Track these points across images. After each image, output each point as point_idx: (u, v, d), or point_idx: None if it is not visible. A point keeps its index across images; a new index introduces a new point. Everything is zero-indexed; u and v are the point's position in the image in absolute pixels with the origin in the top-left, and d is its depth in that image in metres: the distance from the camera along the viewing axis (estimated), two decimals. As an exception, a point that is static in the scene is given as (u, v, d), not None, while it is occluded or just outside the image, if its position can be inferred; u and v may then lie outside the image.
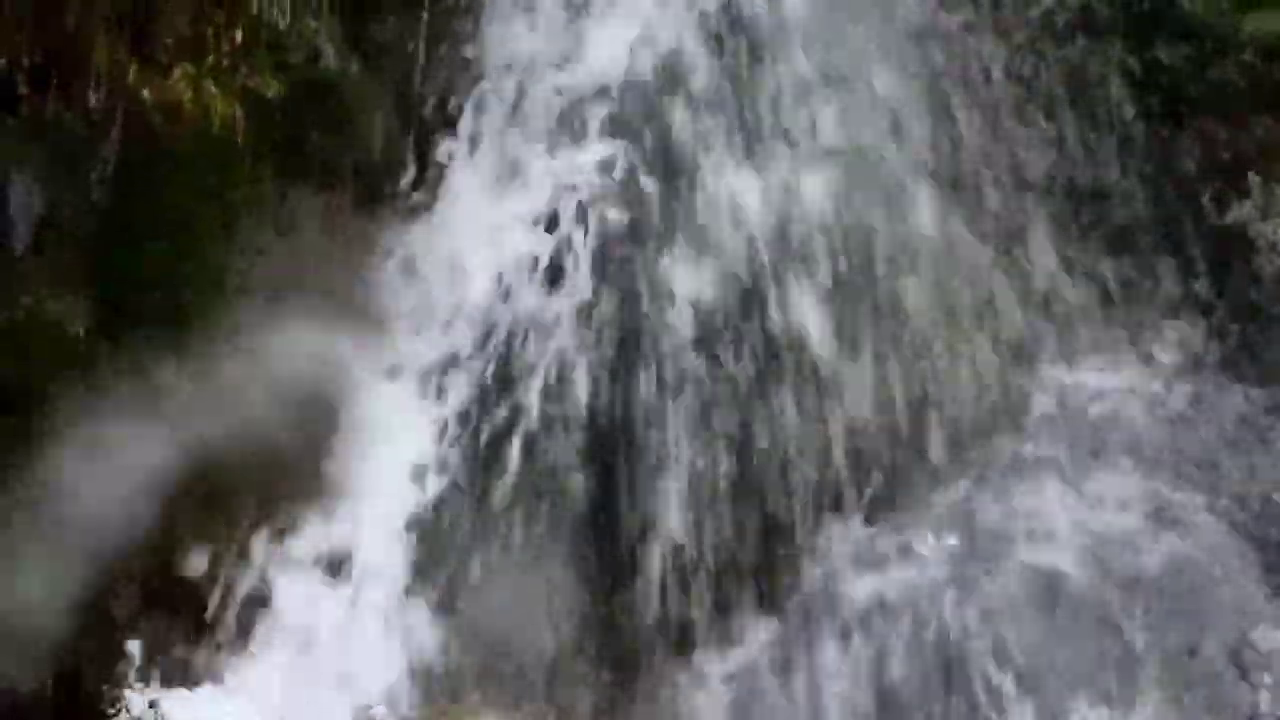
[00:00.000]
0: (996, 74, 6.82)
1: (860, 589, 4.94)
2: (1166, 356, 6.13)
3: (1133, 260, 6.55)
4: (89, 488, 4.52)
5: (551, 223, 5.52)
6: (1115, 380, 5.99)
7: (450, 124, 5.86)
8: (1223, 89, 7.18)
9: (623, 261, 5.38)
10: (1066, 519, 5.11)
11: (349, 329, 5.32)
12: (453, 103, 5.87)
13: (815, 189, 5.82)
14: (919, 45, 6.54)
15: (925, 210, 6.02)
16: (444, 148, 5.81)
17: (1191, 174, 6.97)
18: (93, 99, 5.48)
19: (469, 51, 5.91)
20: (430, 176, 5.77)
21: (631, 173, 5.61)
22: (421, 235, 5.63)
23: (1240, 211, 6.55)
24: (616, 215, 5.40)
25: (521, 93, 5.80)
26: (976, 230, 6.28)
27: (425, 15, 5.93)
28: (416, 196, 5.73)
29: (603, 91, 5.70)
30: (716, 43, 5.85)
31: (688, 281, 5.26)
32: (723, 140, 5.83)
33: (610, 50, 5.80)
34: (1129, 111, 7.19)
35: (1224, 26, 7.36)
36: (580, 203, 5.49)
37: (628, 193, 5.52)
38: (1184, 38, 7.35)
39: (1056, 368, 6.04)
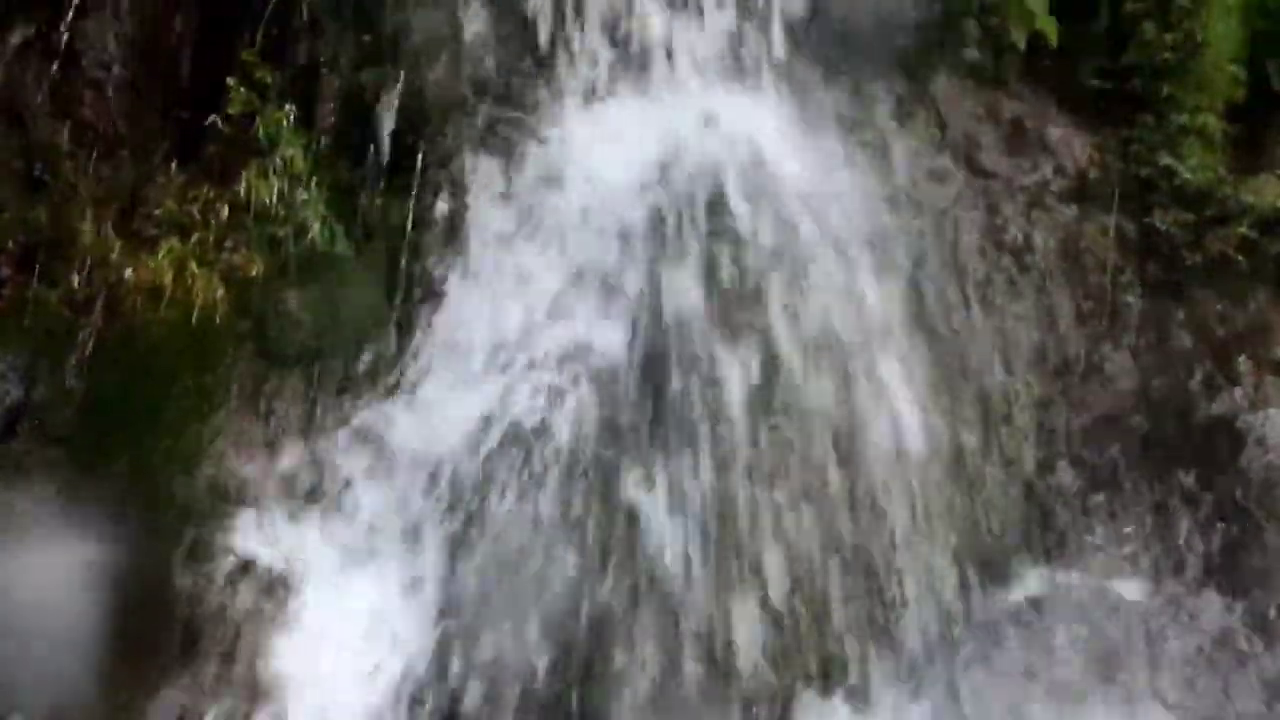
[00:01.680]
0: (987, 246, 6.78)
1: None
2: (1148, 556, 6.07)
3: (1120, 446, 6.50)
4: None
5: (527, 412, 5.49)
6: (1093, 582, 5.93)
7: (435, 301, 5.83)
8: (1220, 261, 7.14)
9: (598, 461, 5.34)
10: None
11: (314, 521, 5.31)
12: (438, 279, 5.84)
13: (792, 374, 5.78)
14: (905, 219, 6.49)
15: (904, 401, 5.97)
16: (427, 326, 5.77)
17: (1185, 350, 6.92)
18: (76, 280, 5.49)
19: (456, 231, 5.89)
20: (412, 356, 5.73)
21: (608, 358, 5.58)
22: (398, 418, 5.59)
23: (1230, 400, 6.50)
24: (593, 408, 5.37)
25: (504, 272, 5.78)
26: (959, 415, 6.23)
27: (414, 191, 5.90)
28: (397, 376, 5.70)
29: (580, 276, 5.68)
30: (695, 226, 5.81)
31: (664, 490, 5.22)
32: (703, 324, 5.78)
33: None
34: (1124, 281, 7.15)
35: (1222, 194, 7.33)
36: (554, 390, 5.45)
37: (605, 383, 5.48)
38: (1181, 205, 7.32)
39: (1035, 565, 5.99)
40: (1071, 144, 7.42)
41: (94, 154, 5.77)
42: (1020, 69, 7.66)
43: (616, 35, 6.39)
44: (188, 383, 5.39)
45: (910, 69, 7.32)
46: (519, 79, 6.26)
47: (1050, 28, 7.69)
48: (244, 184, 5.71)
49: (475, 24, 6.19)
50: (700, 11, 6.57)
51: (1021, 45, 7.64)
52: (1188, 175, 7.34)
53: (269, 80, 5.85)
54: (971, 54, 7.53)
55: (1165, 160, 7.40)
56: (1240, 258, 7.08)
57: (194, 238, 5.60)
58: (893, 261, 6.25)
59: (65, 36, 5.79)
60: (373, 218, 5.91)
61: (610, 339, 5.47)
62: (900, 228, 6.37)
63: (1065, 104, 7.69)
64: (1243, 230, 7.13)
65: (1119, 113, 7.64)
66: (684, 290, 5.54)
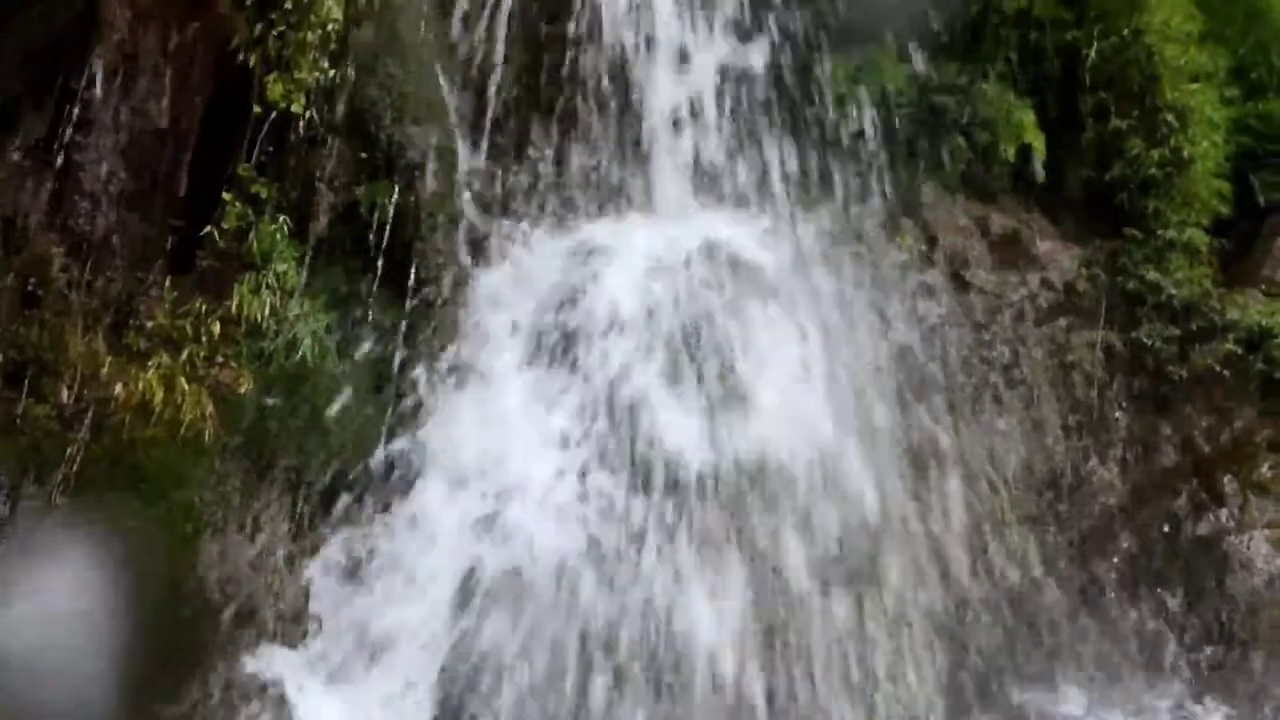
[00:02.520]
0: (975, 362, 6.82)
1: None
2: (1135, 680, 6.05)
3: (1108, 565, 6.50)
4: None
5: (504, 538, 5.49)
6: (1084, 700, 5.90)
7: (421, 423, 5.84)
8: (1206, 376, 7.19)
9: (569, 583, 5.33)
10: None
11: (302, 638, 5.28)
12: (426, 402, 5.85)
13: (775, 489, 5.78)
14: (896, 337, 6.53)
15: (893, 516, 5.97)
16: (412, 447, 5.77)
17: (1172, 466, 6.94)
18: (65, 395, 5.48)
19: (447, 349, 5.91)
20: (397, 476, 5.73)
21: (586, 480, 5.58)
22: (386, 536, 5.58)
23: (1215, 522, 6.52)
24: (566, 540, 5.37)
25: (494, 395, 5.79)
26: (949, 530, 6.23)
27: (407, 304, 5.93)
28: (385, 493, 5.69)
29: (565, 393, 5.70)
30: (688, 354, 5.84)
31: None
32: (694, 440, 5.79)
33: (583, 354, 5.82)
34: (1111, 395, 7.19)
35: (1207, 309, 7.40)
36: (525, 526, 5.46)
37: (584, 508, 5.48)
38: (1168, 319, 7.38)
39: (1025, 686, 5.96)
40: (1059, 257, 7.49)
41: (88, 266, 5.78)
42: (1009, 181, 7.74)
43: (614, 155, 6.44)
44: (174, 500, 5.36)
45: (900, 180, 7.40)
46: (517, 194, 6.31)
47: (1039, 141, 7.80)
48: (236, 298, 5.72)
49: (472, 139, 6.24)
50: (691, 131, 6.63)
51: (1011, 158, 7.74)
52: (1174, 290, 7.42)
53: (264, 194, 5.89)
54: (961, 166, 7.61)
55: (1152, 275, 7.48)
56: (1226, 373, 7.12)
57: (184, 353, 5.60)
58: (880, 379, 6.27)
59: (64, 149, 5.81)
60: (364, 331, 5.91)
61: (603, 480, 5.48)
62: (889, 345, 6.39)
63: (1053, 216, 7.79)
64: (1228, 346, 7.18)
65: (1106, 225, 7.73)
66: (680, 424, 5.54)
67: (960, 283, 7.03)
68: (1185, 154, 7.68)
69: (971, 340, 6.81)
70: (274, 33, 5.92)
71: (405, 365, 5.86)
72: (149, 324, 5.78)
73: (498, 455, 5.75)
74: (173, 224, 6.03)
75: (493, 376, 5.84)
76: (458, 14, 6.43)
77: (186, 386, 5.55)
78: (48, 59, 5.93)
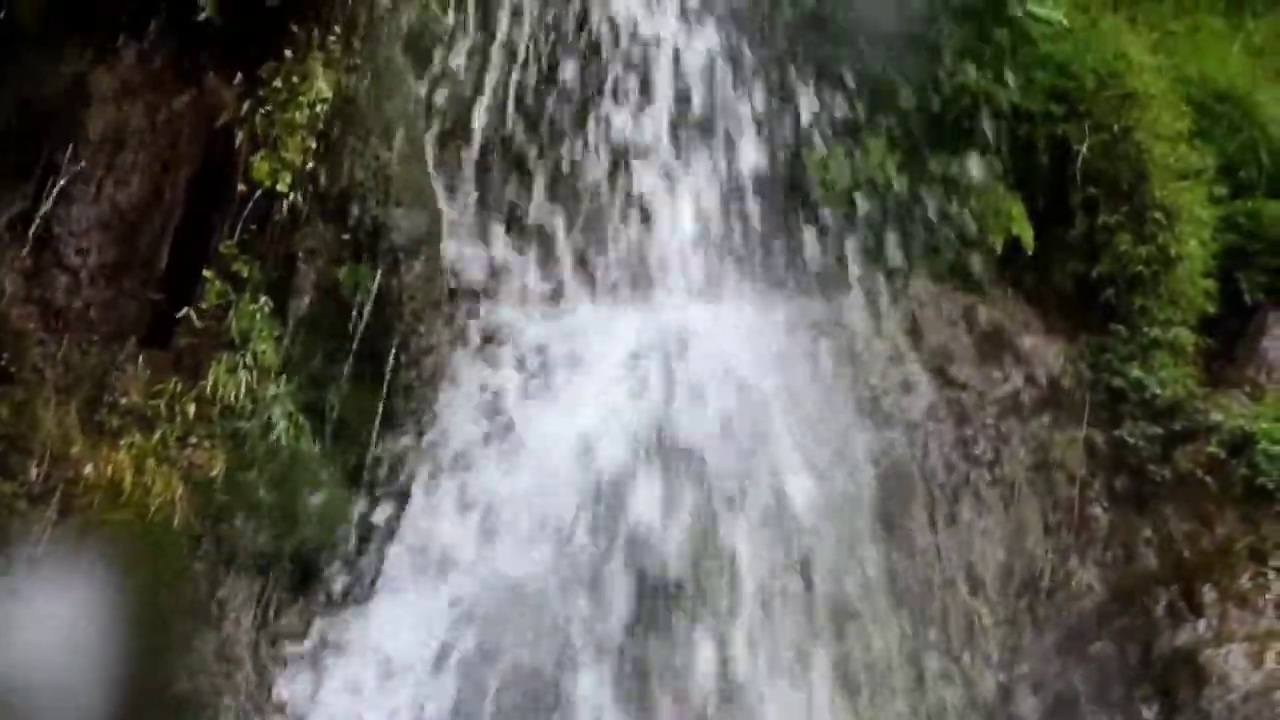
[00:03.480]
0: (956, 459, 6.78)
1: None
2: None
3: (1083, 672, 6.44)
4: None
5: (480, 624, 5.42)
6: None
7: (401, 505, 5.78)
8: (1188, 479, 7.16)
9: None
10: None
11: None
12: (400, 486, 5.79)
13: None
14: (875, 433, 6.49)
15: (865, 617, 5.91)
16: (390, 533, 5.71)
17: (1151, 571, 6.90)
18: (34, 473, 5.41)
19: (424, 434, 5.86)
20: (370, 562, 5.66)
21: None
22: (355, 629, 5.50)
23: (1193, 632, 6.47)
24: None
25: (467, 484, 5.74)
26: (922, 638, 6.17)
27: (385, 390, 5.87)
28: (355, 584, 5.62)
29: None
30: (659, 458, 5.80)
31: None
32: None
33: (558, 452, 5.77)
34: (1092, 494, 7.16)
35: (1191, 409, 7.39)
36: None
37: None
38: (1151, 419, 7.36)
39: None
40: (1044, 353, 7.48)
41: (63, 340, 5.71)
42: (996, 271, 7.74)
43: (597, 243, 6.43)
44: (138, 586, 5.28)
45: (886, 268, 7.39)
46: (503, 279, 6.29)
47: (1026, 233, 7.82)
48: (212, 378, 5.66)
49: (459, 224, 6.22)
50: (672, 220, 6.62)
51: (999, 249, 7.74)
52: (1158, 389, 7.42)
53: (246, 273, 5.83)
54: (949, 257, 7.61)
55: (1136, 373, 7.48)
56: (1208, 478, 7.10)
57: (157, 434, 5.53)
58: (860, 477, 6.23)
59: (44, 220, 5.76)
60: (341, 415, 5.85)
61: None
62: (869, 441, 6.35)
63: (1040, 307, 7.79)
64: (1211, 449, 7.17)
65: (1093, 320, 7.74)
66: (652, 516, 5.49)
67: (944, 377, 6.99)
68: (1173, 252, 7.70)
69: (953, 437, 6.77)
70: (262, 111, 5.88)
71: (381, 450, 5.78)
72: (123, 401, 5.70)
73: (474, 543, 5.68)
74: (152, 298, 5.96)
75: (470, 464, 5.76)
76: (444, 91, 6.39)
77: (157, 468, 5.46)
78: (33, 131, 5.89)
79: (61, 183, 5.76)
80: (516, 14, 6.63)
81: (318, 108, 5.98)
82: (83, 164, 5.85)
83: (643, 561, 5.51)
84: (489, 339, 6.23)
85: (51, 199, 5.75)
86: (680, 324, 6.25)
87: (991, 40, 7.87)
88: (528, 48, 6.68)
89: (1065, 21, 7.68)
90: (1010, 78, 7.80)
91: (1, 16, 5.72)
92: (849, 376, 6.60)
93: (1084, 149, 7.78)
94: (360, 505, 5.76)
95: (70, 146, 5.87)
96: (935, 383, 6.94)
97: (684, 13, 7.07)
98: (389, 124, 6.13)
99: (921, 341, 7.12)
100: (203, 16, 5.86)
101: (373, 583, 5.65)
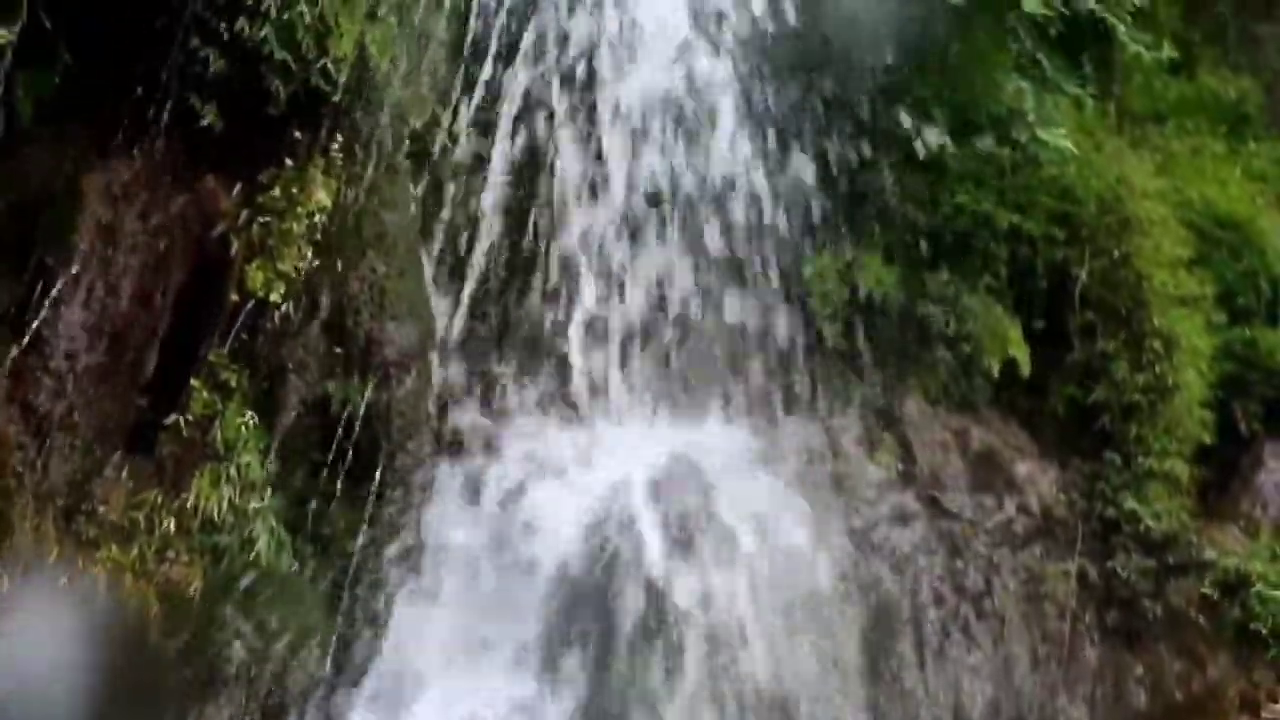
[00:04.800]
0: (946, 593, 6.68)
1: None
2: None
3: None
4: None
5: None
6: None
7: (381, 626, 5.66)
8: (1180, 617, 7.07)
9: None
10: None
11: None
12: (386, 602, 5.68)
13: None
14: (866, 563, 6.40)
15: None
16: (369, 653, 5.59)
17: (1141, 711, 6.79)
18: (5, 584, 5.29)
19: (408, 557, 5.75)
20: (347, 688, 5.53)
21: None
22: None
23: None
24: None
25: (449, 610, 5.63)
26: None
27: (369, 505, 5.77)
28: (331, 711, 5.48)
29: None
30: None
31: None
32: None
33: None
34: (1083, 628, 7.05)
35: (1185, 542, 7.31)
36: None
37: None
38: (1144, 551, 7.28)
39: None
40: (1038, 480, 7.40)
41: (45, 445, 5.61)
42: (991, 394, 7.68)
43: (591, 361, 6.37)
44: (113, 705, 5.14)
45: (881, 389, 7.32)
46: (492, 395, 6.21)
47: (1023, 355, 7.76)
48: (195, 490, 5.56)
49: (450, 339, 6.15)
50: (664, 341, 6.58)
51: (994, 372, 7.69)
52: (1152, 521, 7.35)
53: (234, 383, 5.75)
54: (943, 377, 7.55)
55: (1130, 504, 7.41)
56: (1200, 617, 7.00)
57: (135, 548, 5.41)
58: (847, 613, 6.12)
59: (34, 323, 5.67)
60: (324, 530, 5.75)
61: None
62: (858, 575, 6.25)
63: (1034, 432, 7.71)
64: (1205, 589, 7.08)
65: (1087, 446, 7.66)
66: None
67: (936, 506, 6.91)
68: (1171, 382, 7.64)
69: (944, 569, 6.67)
70: (260, 220, 5.83)
71: (361, 570, 5.68)
72: (102, 510, 5.60)
73: (450, 671, 5.56)
74: (137, 404, 5.87)
75: (450, 590, 5.65)
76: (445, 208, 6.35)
77: (133, 583, 5.35)
78: (26, 231, 5.82)
79: (53, 288, 5.68)
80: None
81: (316, 217, 5.93)
82: (75, 268, 5.77)
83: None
84: (480, 453, 6.13)
85: (41, 303, 5.66)
86: (666, 445, 6.16)
87: (994, 161, 7.86)
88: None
89: (1073, 149, 7.65)
90: (1011, 199, 7.78)
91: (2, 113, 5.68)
92: (842, 508, 6.49)
93: (1084, 274, 7.74)
94: (340, 625, 5.61)
95: (63, 248, 5.79)
96: (927, 513, 6.84)
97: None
98: (387, 235, 6.06)
99: (915, 466, 7.03)
100: (204, 123, 5.81)
101: (351, 708, 5.50)
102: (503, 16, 6.67)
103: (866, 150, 7.71)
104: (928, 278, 7.67)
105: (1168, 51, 8.54)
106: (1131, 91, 9.10)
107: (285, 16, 5.78)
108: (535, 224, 6.62)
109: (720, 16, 7.51)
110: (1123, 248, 7.81)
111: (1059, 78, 7.96)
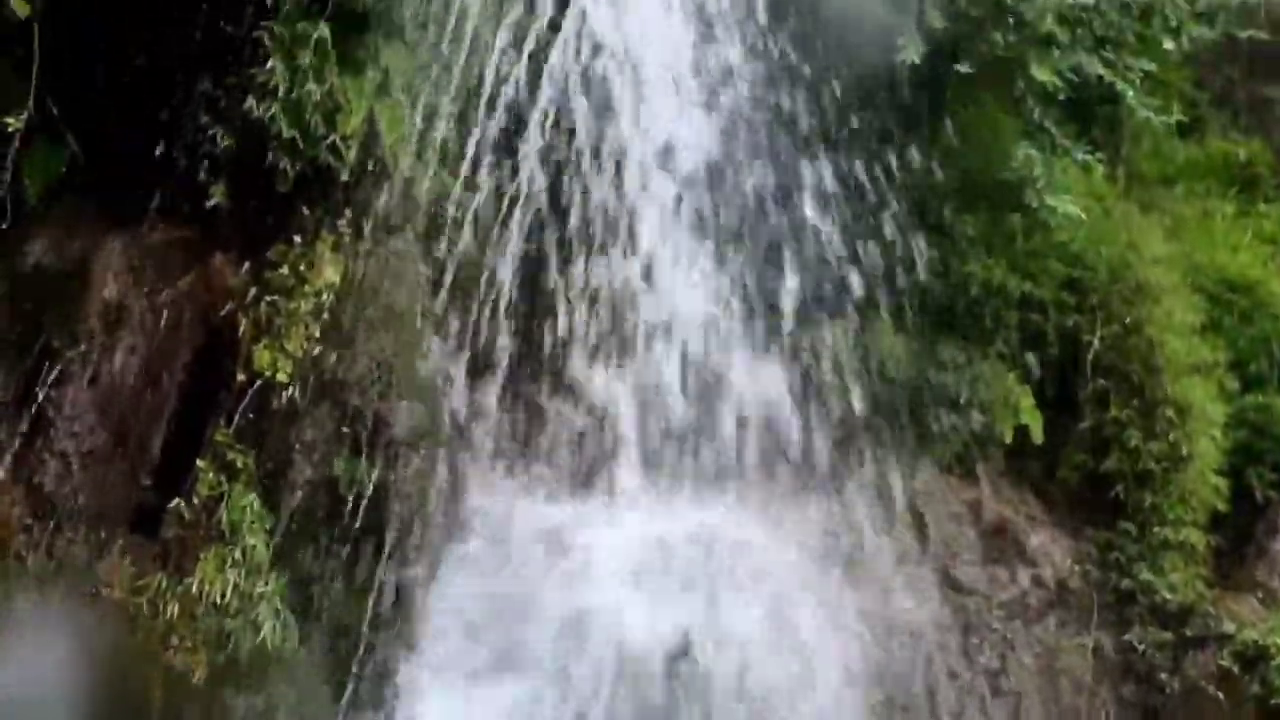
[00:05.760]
0: (961, 670, 6.58)
1: None
2: None
3: None
4: None
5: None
6: None
7: (386, 711, 5.58)
8: (1198, 692, 6.96)
9: None
10: None
11: None
12: (391, 686, 5.60)
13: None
14: (880, 643, 6.31)
15: None
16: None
17: (1161, 792, 6.68)
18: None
19: (415, 644, 5.68)
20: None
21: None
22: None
23: None
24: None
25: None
26: None
27: (375, 589, 5.70)
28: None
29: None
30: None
31: None
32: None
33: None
34: (1100, 702, 6.95)
35: (1202, 612, 7.20)
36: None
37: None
38: (1160, 623, 7.18)
39: None
40: (1051, 551, 7.31)
41: (49, 527, 5.56)
42: (1004, 463, 7.61)
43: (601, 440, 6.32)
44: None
45: (893, 459, 7.25)
46: (502, 474, 6.16)
47: (1035, 423, 7.68)
48: (199, 574, 5.49)
49: (460, 416, 6.11)
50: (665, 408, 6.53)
51: (1007, 440, 7.61)
52: (1168, 593, 7.24)
53: (240, 463, 5.69)
54: (955, 447, 7.48)
55: (1145, 575, 7.31)
56: (1219, 692, 6.89)
57: (139, 634, 5.34)
58: (861, 696, 6.03)
59: (38, 404, 5.64)
60: (330, 615, 5.67)
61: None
62: (873, 655, 6.16)
63: (1046, 501, 7.63)
64: (1224, 662, 6.97)
65: (1100, 516, 7.57)
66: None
67: (950, 581, 6.82)
68: (1185, 451, 7.56)
69: (958, 646, 6.58)
70: (267, 299, 5.79)
71: (367, 655, 5.60)
72: (105, 593, 5.54)
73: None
74: (142, 485, 5.82)
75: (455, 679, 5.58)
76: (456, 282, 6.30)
77: (138, 671, 5.28)
78: (33, 310, 5.81)
79: (58, 368, 5.66)
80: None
81: (324, 295, 5.90)
82: (82, 346, 5.75)
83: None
84: (489, 534, 6.06)
85: (47, 384, 5.64)
86: (680, 524, 6.10)
87: (1004, 228, 7.83)
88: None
89: (1082, 214, 7.61)
90: (1022, 266, 7.74)
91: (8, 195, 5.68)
92: (857, 585, 6.41)
93: (1095, 341, 7.68)
94: (345, 710, 5.52)
95: (69, 328, 5.78)
96: (940, 587, 6.75)
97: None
98: (395, 313, 6.02)
99: (927, 540, 6.95)
100: (212, 203, 5.80)
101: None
102: (510, 90, 6.64)
103: (875, 219, 7.66)
104: (940, 345, 7.61)
105: (1177, 115, 8.51)
106: (1140, 155, 9.05)
107: (294, 95, 5.78)
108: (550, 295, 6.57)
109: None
110: (1134, 314, 7.75)
111: (1067, 143, 7.93)
